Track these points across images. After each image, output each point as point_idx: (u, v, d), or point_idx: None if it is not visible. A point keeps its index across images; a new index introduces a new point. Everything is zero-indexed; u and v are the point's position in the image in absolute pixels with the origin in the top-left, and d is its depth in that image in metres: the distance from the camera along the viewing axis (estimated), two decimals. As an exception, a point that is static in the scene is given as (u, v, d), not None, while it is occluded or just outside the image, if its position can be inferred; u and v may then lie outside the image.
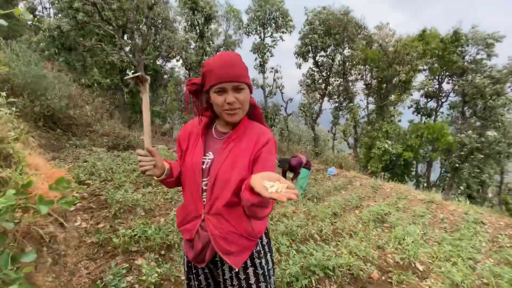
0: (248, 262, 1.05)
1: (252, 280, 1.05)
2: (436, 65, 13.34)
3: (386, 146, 11.92)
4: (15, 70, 5.90)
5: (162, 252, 2.50)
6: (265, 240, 1.12)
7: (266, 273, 1.08)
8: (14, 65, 6.07)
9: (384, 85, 14.13)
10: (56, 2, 12.77)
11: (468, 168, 12.85)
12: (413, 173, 16.23)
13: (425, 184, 15.70)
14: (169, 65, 17.48)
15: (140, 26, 11.61)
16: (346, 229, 3.61)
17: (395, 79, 12.13)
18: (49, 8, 17.44)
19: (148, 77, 1.13)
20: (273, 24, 14.22)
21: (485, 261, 3.17)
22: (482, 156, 12.44)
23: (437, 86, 14.82)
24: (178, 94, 20.11)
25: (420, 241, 3.37)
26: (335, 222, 3.93)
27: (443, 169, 14.76)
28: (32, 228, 1.70)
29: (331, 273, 2.36)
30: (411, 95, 13.28)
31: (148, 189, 4.05)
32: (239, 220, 1.00)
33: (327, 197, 5.55)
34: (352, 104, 13.85)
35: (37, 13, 17.21)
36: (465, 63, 13.65)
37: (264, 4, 13.61)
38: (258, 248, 1.07)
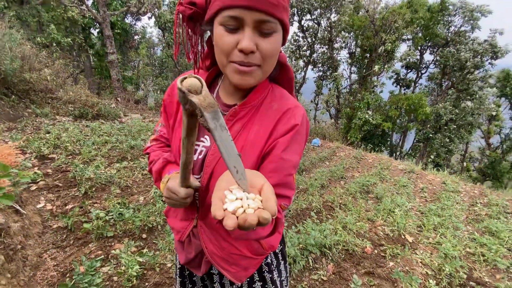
0: (256, 276, 0.81)
1: (271, 285, 0.82)
2: (420, 34, 13.19)
3: (366, 116, 12.05)
4: None
5: (144, 236, 2.24)
6: (278, 247, 0.87)
7: (278, 285, 0.84)
8: None
9: (368, 54, 13.88)
10: None
11: (440, 138, 13.53)
12: (388, 142, 16.93)
13: (399, 154, 16.50)
14: (139, 24, 15.72)
15: (103, -25, 9.97)
16: (335, 202, 3.56)
17: (380, 48, 11.88)
18: None
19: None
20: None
21: (466, 230, 3.28)
22: (455, 126, 13.07)
23: (418, 57, 14.85)
24: (151, 57, 18.53)
25: (408, 212, 3.40)
26: (323, 194, 3.87)
27: (416, 139, 15.46)
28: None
29: (327, 251, 2.26)
30: (394, 65, 13.24)
31: (124, 163, 3.64)
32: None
33: (312, 169, 5.49)
34: (336, 73, 13.58)
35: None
36: (449, 34, 13.64)
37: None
38: (268, 259, 0.82)
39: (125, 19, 13.75)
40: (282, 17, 0.57)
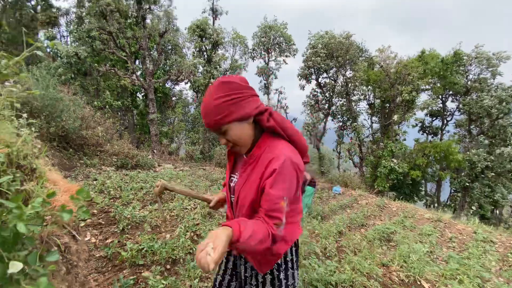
0: (269, 271, 1.10)
1: (268, 287, 1.10)
2: (438, 84, 13.55)
3: (392, 164, 11.85)
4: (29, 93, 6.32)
5: (168, 267, 2.57)
6: (289, 257, 1.13)
7: (283, 286, 1.09)
8: (34, 89, 6.50)
9: (387, 104, 14.34)
10: (75, 31, 13.76)
11: (479, 188, 12.54)
12: (423, 192, 15.91)
13: (436, 204, 15.30)
14: (177, 87, 18.22)
15: (152, 52, 12.32)
16: (350, 247, 3.60)
17: (398, 98, 12.32)
18: (67, 36, 18.66)
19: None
20: (277, 49, 14.89)
21: (494, 280, 3.10)
22: (493, 174, 12.19)
23: (441, 105, 14.92)
24: (186, 115, 20.73)
25: (427, 259, 3.32)
26: (340, 240, 3.92)
27: (453, 188, 14.43)
28: (50, 237, 1.83)
29: (333, 288, 2.37)
30: (415, 114, 13.40)
31: (155, 206, 4.15)
32: None
33: (332, 216, 5.53)
34: (356, 123, 14.00)
35: (55, 41, 18.44)
36: (469, 82, 13.83)
37: (269, 30, 14.36)
38: (280, 261, 1.10)
39: (166, 84, 16.11)
40: (224, 122, 0.92)
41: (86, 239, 3.01)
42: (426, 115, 15.99)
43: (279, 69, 15.47)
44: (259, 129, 1.02)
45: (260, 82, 15.62)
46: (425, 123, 16.33)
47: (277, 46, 14.88)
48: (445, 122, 15.62)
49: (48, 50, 16.32)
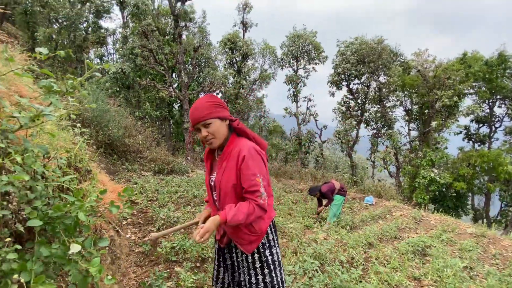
0: (255, 250, 1.33)
1: (258, 264, 1.33)
2: (484, 88, 12.40)
3: (432, 175, 11.02)
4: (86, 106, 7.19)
5: (197, 264, 2.76)
6: (270, 236, 1.39)
7: (270, 262, 1.34)
8: (86, 102, 7.39)
9: (426, 110, 13.45)
10: (120, 49, 15.28)
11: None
12: (469, 206, 14.43)
13: (485, 220, 13.76)
14: (210, 98, 19.10)
15: (187, 66, 13.18)
16: (380, 258, 3.49)
17: (437, 104, 11.53)
18: (113, 53, 20.70)
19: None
20: (306, 57, 14.92)
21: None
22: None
23: (488, 110, 13.58)
24: (217, 123, 21.55)
25: (464, 275, 3.09)
26: (369, 251, 3.80)
27: (503, 202, 12.88)
28: (99, 229, 2.13)
29: (357, 296, 2.35)
30: (457, 120, 12.35)
31: (188, 208, 4.44)
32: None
33: (362, 226, 5.35)
34: (391, 130, 13.33)
35: (104, 58, 20.58)
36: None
37: (297, 39, 14.50)
38: (263, 241, 1.35)
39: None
40: (210, 117, 1.24)
41: (127, 236, 3.34)
42: (471, 121, 14.65)
43: (308, 76, 15.44)
44: (229, 131, 1.35)
45: (289, 90, 15.72)
46: (471, 130, 14.94)
47: (306, 54, 14.91)
48: (493, 129, 14.14)
49: (99, 67, 18.24)
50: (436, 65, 12.66)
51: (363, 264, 3.22)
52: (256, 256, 1.33)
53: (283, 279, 1.40)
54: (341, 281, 2.33)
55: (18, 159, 1.19)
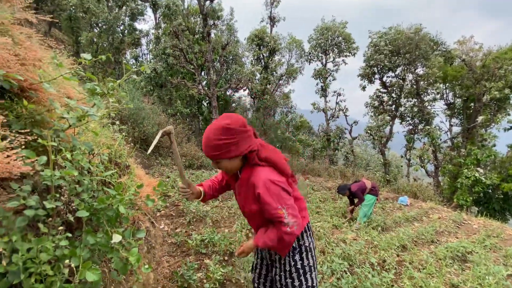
0: (288, 253, 1.37)
1: (287, 268, 1.37)
2: (543, 78, 10.93)
3: (476, 175, 10.07)
4: (124, 105, 7.74)
5: (226, 258, 2.85)
6: (302, 241, 1.39)
7: (299, 266, 1.36)
8: (124, 102, 7.92)
9: (472, 104, 12.26)
10: (153, 49, 16.04)
11: None
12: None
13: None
14: (236, 94, 19.35)
15: (215, 64, 13.45)
16: (414, 263, 3.30)
17: (484, 97, 10.44)
18: (147, 54, 21.77)
19: (171, 127, 1.44)
20: (336, 49, 14.38)
21: None
22: None
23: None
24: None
25: (510, 284, 2.81)
26: (402, 255, 3.61)
27: None
28: (137, 221, 2.29)
29: (389, 301, 2.26)
30: (509, 114, 11.07)
31: (216, 203, 4.58)
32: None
33: (395, 228, 5.09)
34: (429, 126, 12.40)
35: (139, 58, 21.78)
36: None
37: (326, 32, 14.02)
38: (294, 245, 1.37)
39: (227, 92, 17.29)
40: (218, 158, 1.22)
41: (161, 227, 3.55)
42: (526, 115, 13.03)
43: (338, 70, 14.88)
44: (244, 161, 1.30)
45: (317, 84, 15.31)
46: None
47: (335, 46, 14.37)
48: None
49: (134, 67, 19.41)
50: (484, 53, 11.44)
51: (395, 268, 3.07)
52: (287, 259, 1.36)
53: (315, 285, 1.38)
54: (372, 284, 2.25)
55: (68, 156, 1.32)
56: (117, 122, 3.81)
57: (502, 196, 10.72)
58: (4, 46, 1.47)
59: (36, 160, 1.21)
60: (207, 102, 17.47)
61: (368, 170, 16.17)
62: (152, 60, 17.54)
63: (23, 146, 1.17)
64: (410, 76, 12.79)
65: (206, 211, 4.04)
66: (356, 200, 5.32)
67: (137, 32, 18.57)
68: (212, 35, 12.59)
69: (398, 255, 3.56)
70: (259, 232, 1.30)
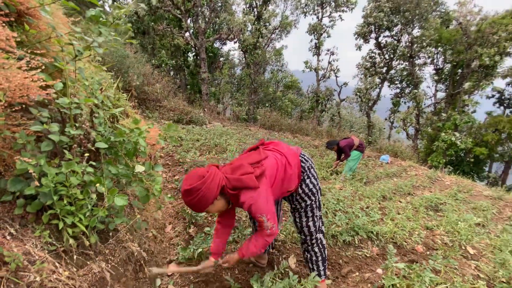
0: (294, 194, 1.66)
1: (296, 203, 1.65)
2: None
3: (453, 139, 10.73)
4: (107, 51, 7.15)
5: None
6: (299, 190, 1.65)
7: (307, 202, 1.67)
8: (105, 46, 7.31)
9: (460, 70, 12.44)
10: (134, -10, 14.33)
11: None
12: (486, 173, 14.29)
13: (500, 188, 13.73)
14: (225, 48, 18.28)
15: (204, 10, 12.36)
16: (394, 209, 3.67)
17: (474, 63, 10.59)
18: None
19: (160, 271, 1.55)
20: (333, 3, 13.56)
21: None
22: None
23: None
24: (232, 76, 21.02)
25: (479, 230, 3.25)
26: (383, 203, 3.98)
27: (525, 171, 12.64)
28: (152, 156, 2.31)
29: (374, 237, 2.56)
30: (492, 83, 11.43)
31: (211, 154, 4.67)
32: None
33: (377, 182, 5.50)
34: (416, 90, 12.64)
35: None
36: None
37: (325, -19, 13.02)
38: (299, 191, 1.65)
39: (215, 44, 16.26)
40: (204, 209, 1.36)
41: (160, 173, 3.61)
42: (507, 84, 13.54)
43: (333, 26, 14.24)
44: (226, 197, 1.46)
45: (311, 41, 14.72)
46: (505, 94, 13.94)
47: (333, 0, 13.53)
48: (532, 93, 13.11)
49: (109, 9, 17.49)
50: (481, 17, 11.27)
51: (379, 213, 3.41)
52: (295, 196, 1.64)
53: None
54: (361, 221, 2.52)
55: (86, 83, 1.26)
56: (104, 68, 3.57)
57: (472, 160, 11.65)
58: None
59: (53, 85, 1.15)
60: (193, 54, 16.48)
61: (352, 132, 16.72)
62: (131, 1, 15.79)
63: (39, 70, 1.10)
64: (406, 37, 12.55)
65: (203, 161, 4.12)
66: (342, 156, 5.62)
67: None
68: (202, -24, 11.31)
69: (379, 203, 3.92)
70: (244, 244, 1.53)
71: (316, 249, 1.71)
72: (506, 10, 10.83)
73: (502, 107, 14.09)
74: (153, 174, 1.45)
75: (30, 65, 1.05)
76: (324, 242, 1.75)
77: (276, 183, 1.50)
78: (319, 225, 1.72)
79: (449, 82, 13.15)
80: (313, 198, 1.65)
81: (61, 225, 1.12)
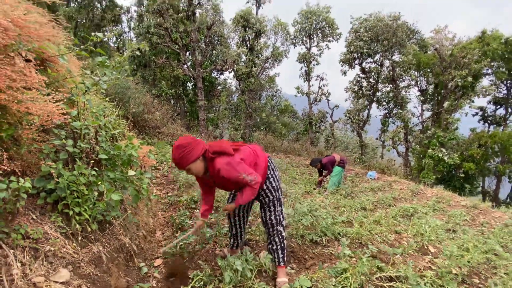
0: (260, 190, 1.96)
1: (261, 198, 1.99)
2: (502, 69, 11.98)
3: (440, 155, 11.15)
4: (110, 86, 7.85)
5: (212, 212, 3.37)
6: (264, 186, 2.01)
7: (270, 197, 1.99)
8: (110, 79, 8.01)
9: (443, 91, 13.21)
10: (136, 28, 15.64)
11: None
12: (480, 188, 14.49)
13: (494, 202, 13.85)
14: (222, 77, 19.40)
15: (200, 44, 13.44)
16: (368, 218, 3.99)
17: (450, 84, 11.35)
18: (129, 32, 21.01)
19: None
20: (320, 34, 14.74)
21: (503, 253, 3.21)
22: None
23: (506, 91, 13.17)
24: (229, 103, 22.01)
25: (442, 232, 3.55)
26: (360, 212, 4.30)
27: (515, 184, 12.88)
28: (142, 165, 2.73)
29: (340, 237, 2.89)
30: (473, 101, 12.12)
31: (202, 173, 5.07)
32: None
33: (360, 196, 5.83)
34: (401, 111, 13.31)
35: (121, 36, 21.03)
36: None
37: (310, 16, 14.28)
38: (264, 187, 2.01)
39: (212, 74, 17.31)
40: (185, 166, 1.70)
41: (154, 192, 4.00)
42: (489, 102, 14.28)
43: (321, 54, 15.33)
44: (205, 160, 1.78)
45: (301, 68, 15.73)
46: (488, 111, 14.62)
47: (319, 31, 14.73)
48: (510, 110, 13.78)
49: (113, 44, 18.89)
50: (455, 43, 12.26)
51: (351, 221, 3.74)
52: (262, 192, 2.03)
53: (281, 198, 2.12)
54: (326, 223, 2.86)
55: (94, 110, 1.73)
56: (107, 99, 4.12)
57: (463, 175, 11.96)
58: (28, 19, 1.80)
59: (69, 112, 1.62)
60: (192, 84, 17.47)
61: (347, 152, 17.18)
62: (134, 39, 17.07)
63: (61, 101, 1.57)
64: (387, 63, 13.49)
65: (194, 180, 4.52)
66: (324, 172, 6.04)
67: (118, 8, 17.88)
68: (197, 14, 12.51)
69: (356, 212, 4.25)
70: (238, 196, 1.84)
71: (277, 239, 2.06)
72: (475, 36, 11.86)
73: (486, 124, 14.69)
74: (143, 178, 1.86)
75: (55, 99, 1.53)
76: (284, 234, 2.11)
77: (249, 163, 1.86)
78: (279, 219, 2.08)
79: (434, 102, 13.88)
80: (275, 194, 2.03)
81: (70, 213, 1.53)
